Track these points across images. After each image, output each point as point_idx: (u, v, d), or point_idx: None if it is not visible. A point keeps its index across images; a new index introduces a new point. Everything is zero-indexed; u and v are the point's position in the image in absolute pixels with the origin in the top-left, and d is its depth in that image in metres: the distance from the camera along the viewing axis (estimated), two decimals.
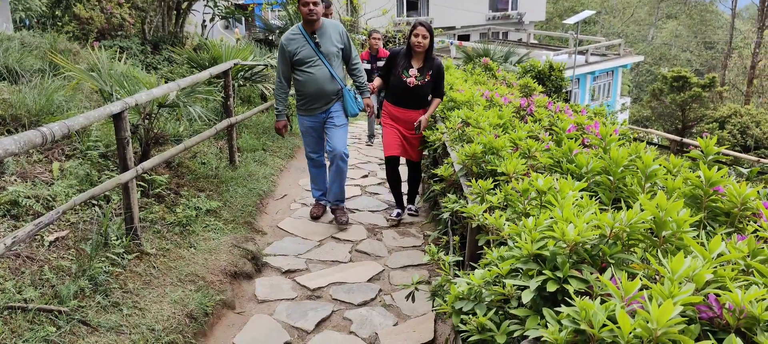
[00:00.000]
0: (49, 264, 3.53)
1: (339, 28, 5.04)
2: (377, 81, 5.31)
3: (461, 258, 3.23)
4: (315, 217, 5.51)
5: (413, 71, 5.07)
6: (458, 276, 2.22)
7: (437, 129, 5.27)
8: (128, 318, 3.32)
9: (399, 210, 5.56)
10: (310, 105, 5.07)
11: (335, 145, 5.11)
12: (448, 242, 4.23)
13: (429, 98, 5.30)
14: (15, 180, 4.19)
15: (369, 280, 4.34)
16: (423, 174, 5.91)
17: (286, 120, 5.28)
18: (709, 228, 2.18)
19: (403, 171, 5.89)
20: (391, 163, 5.38)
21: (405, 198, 5.78)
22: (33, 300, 3.15)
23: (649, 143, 13.59)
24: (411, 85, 5.08)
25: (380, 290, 4.20)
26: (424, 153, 5.47)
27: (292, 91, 5.33)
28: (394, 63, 5.17)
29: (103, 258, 3.71)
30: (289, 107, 5.12)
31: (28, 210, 3.91)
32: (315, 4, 4.77)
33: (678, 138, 12.11)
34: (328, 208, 5.63)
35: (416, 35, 4.98)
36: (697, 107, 22.94)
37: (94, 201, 4.30)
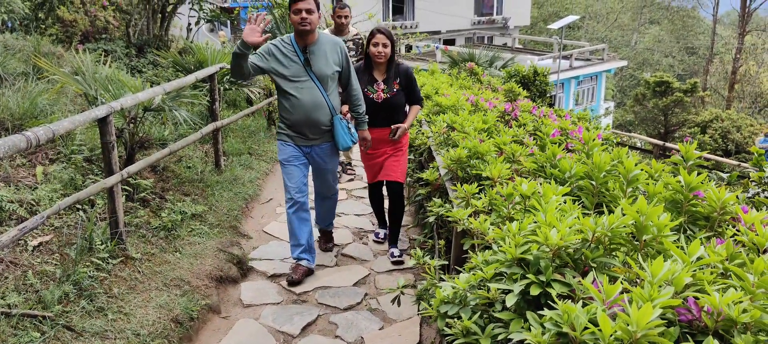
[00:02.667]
0: (33, 269, 3.50)
1: (338, 45, 4.16)
2: (345, 107, 4.50)
3: (447, 262, 3.26)
4: (293, 282, 4.28)
5: (378, 84, 4.49)
6: (443, 280, 2.25)
7: (423, 133, 5.30)
8: (113, 323, 3.31)
9: (385, 230, 5.09)
10: (294, 133, 4.18)
11: (324, 191, 4.60)
12: (433, 246, 4.26)
13: (406, 109, 4.71)
14: None
15: (355, 284, 4.35)
16: (408, 180, 5.41)
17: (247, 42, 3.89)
18: (689, 232, 2.23)
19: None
20: (375, 187, 4.95)
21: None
22: (17, 305, 3.12)
23: (632, 147, 13.73)
24: (379, 101, 4.48)
25: (366, 294, 4.21)
26: (407, 179, 4.94)
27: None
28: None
29: (87, 263, 3.69)
30: (243, 59, 3.86)
31: (12, 214, 3.88)
32: (309, 11, 3.89)
33: (661, 142, 12.26)
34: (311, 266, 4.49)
35: (376, 44, 4.38)
36: (680, 112, 23.24)
37: (79, 206, 4.28)
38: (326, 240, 4.95)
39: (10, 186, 4.19)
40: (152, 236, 4.41)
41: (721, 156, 15.81)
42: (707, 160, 10.56)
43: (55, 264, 3.61)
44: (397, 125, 4.55)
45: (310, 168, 4.38)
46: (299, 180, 4.21)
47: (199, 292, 3.93)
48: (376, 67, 4.50)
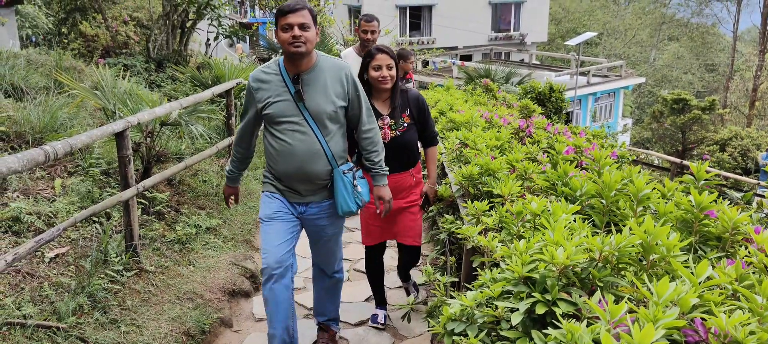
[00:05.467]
0: (48, 280, 3.56)
1: (343, 71, 3.08)
2: None
3: (457, 279, 3.26)
4: None
5: (383, 119, 3.54)
6: (453, 297, 2.25)
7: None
8: (126, 336, 3.34)
9: (384, 311, 4.02)
10: (288, 188, 3.18)
11: (325, 265, 3.49)
12: (445, 262, 4.25)
13: (418, 148, 3.75)
14: (17, 196, 4.24)
15: (366, 300, 4.35)
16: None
17: (236, 185, 3.49)
18: (700, 252, 2.21)
19: (390, 253, 4.45)
20: (372, 250, 3.90)
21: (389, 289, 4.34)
22: (32, 316, 3.17)
23: (650, 165, 13.61)
24: (386, 140, 3.50)
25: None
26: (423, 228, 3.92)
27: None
28: None
29: (102, 275, 3.74)
30: (243, 170, 3.44)
31: (30, 226, 3.94)
32: (303, 27, 2.88)
33: (678, 160, 12.14)
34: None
35: (377, 67, 3.45)
36: (698, 129, 23.02)
37: (95, 219, 4.34)
38: (327, 339, 3.65)
39: (29, 198, 4.26)
40: (166, 249, 4.46)
41: (741, 174, 15.61)
42: (726, 178, 10.44)
43: (71, 276, 3.66)
44: (424, 194, 3.74)
45: (305, 232, 3.38)
46: (281, 243, 3.13)
47: (211, 306, 3.96)
48: (378, 97, 3.57)
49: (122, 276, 3.85)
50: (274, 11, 2.80)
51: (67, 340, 3.12)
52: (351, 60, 5.04)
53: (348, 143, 3.28)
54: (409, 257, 3.91)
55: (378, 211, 3.36)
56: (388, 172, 3.30)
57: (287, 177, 3.13)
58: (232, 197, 3.54)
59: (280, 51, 16.49)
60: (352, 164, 3.23)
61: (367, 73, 3.51)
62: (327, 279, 3.55)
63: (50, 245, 3.88)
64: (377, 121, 3.44)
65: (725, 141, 20.50)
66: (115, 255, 3.95)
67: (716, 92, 38.15)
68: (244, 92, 7.75)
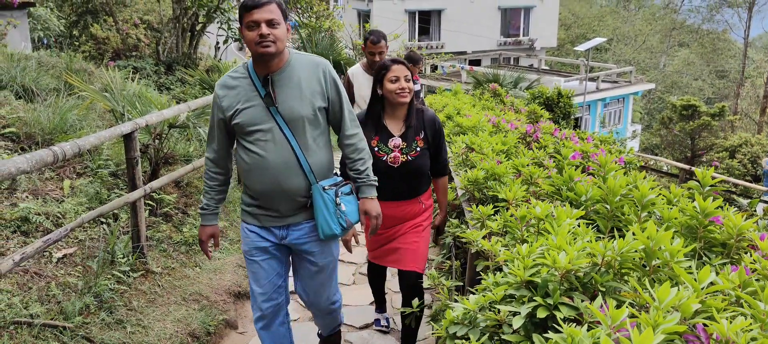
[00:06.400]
0: (56, 280, 3.58)
1: (320, 67, 2.71)
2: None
3: (461, 284, 3.26)
4: None
5: (395, 140, 3.19)
6: (457, 301, 2.25)
7: None
8: (131, 336, 3.36)
9: (386, 314, 4.00)
10: (260, 209, 2.80)
11: (314, 301, 3.02)
12: (451, 267, 4.25)
13: (429, 177, 3.40)
14: (26, 197, 4.28)
15: (371, 303, 4.35)
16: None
17: (214, 224, 2.92)
18: (705, 258, 2.20)
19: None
20: (374, 271, 3.87)
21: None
22: (39, 315, 3.20)
23: (659, 171, 13.55)
24: (395, 164, 3.18)
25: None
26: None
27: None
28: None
29: (109, 276, 3.77)
30: (222, 202, 2.93)
31: (38, 226, 3.98)
32: (271, 23, 2.51)
33: (687, 166, 12.07)
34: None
35: (395, 79, 3.11)
36: (707, 136, 22.89)
37: (103, 219, 4.37)
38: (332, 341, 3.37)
39: (38, 198, 4.30)
40: (173, 250, 4.48)
41: (750, 181, 15.50)
42: (735, 185, 10.38)
43: (78, 276, 3.69)
44: (432, 232, 3.31)
45: (298, 275, 2.98)
46: (267, 282, 2.87)
47: (217, 307, 3.98)
48: (392, 113, 3.22)
49: (129, 276, 3.88)
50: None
51: (74, 339, 3.14)
52: (362, 80, 4.66)
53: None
54: (410, 290, 3.34)
55: (363, 229, 2.98)
56: (376, 183, 2.87)
57: (263, 196, 2.74)
58: (213, 239, 2.93)
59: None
60: (337, 178, 2.83)
61: (382, 88, 3.17)
62: (321, 312, 3.09)
63: (58, 245, 3.92)
64: (388, 141, 3.18)
65: (735, 147, 20.36)
66: (122, 255, 3.98)
67: (727, 99, 37.93)
68: None
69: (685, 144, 23.51)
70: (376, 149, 3.18)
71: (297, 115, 2.63)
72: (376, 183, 2.87)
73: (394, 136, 3.19)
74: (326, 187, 2.73)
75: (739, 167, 18.96)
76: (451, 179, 3.99)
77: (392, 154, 3.17)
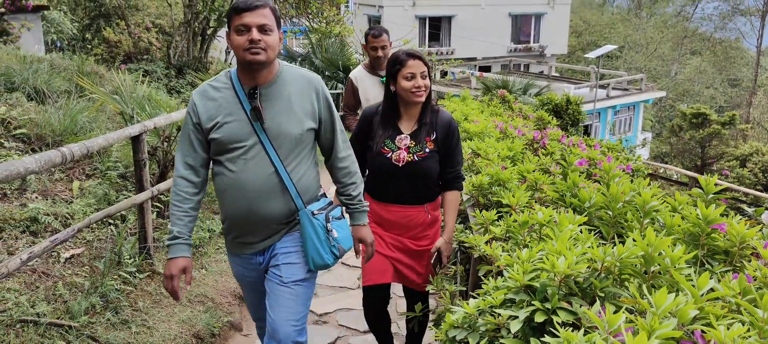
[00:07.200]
0: (63, 280, 3.62)
1: (313, 85, 2.46)
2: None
3: (465, 288, 3.26)
4: None
5: (403, 138, 2.95)
6: (458, 305, 2.26)
7: None
8: (136, 336, 3.39)
9: None
10: (236, 237, 2.51)
11: (277, 325, 2.42)
12: (455, 272, 4.25)
13: (439, 184, 3.08)
14: (36, 197, 4.32)
15: None
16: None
17: (185, 257, 2.42)
18: (708, 266, 2.20)
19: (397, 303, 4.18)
20: (374, 297, 3.12)
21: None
22: (45, 314, 3.23)
23: (668, 180, 13.48)
24: (400, 163, 2.93)
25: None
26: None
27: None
28: (369, 131, 3.03)
29: (115, 276, 3.80)
30: (192, 228, 2.48)
31: (47, 227, 4.02)
32: (263, 29, 2.27)
33: (695, 175, 11.99)
34: None
35: (411, 76, 2.85)
36: (717, 144, 22.74)
37: (111, 221, 4.41)
38: None
39: (47, 199, 4.35)
40: None
41: (761, 190, 15.36)
42: (746, 194, 10.31)
43: (85, 277, 3.72)
44: (437, 248, 3.04)
45: (267, 291, 2.53)
46: (258, 302, 2.69)
47: (222, 309, 4.00)
48: (405, 112, 2.99)
49: (135, 277, 3.91)
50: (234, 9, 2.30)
51: (79, 339, 3.17)
52: (367, 82, 4.35)
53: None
54: (411, 292, 3.22)
55: (358, 256, 2.73)
56: (368, 208, 2.68)
57: (236, 224, 2.45)
58: (184, 275, 2.44)
59: (299, 59, 16.54)
60: (326, 201, 2.54)
61: (395, 85, 2.90)
62: None
63: (66, 246, 3.96)
64: (396, 138, 2.94)
65: (746, 156, 20.20)
66: (128, 257, 4.01)
67: (739, 107, 37.67)
68: None
69: (695, 152, 23.38)
70: (384, 145, 2.95)
71: (285, 133, 2.37)
72: (368, 209, 2.69)
73: (403, 134, 2.97)
74: (315, 212, 2.46)
75: (750, 176, 18.81)
76: (461, 219, 3.67)
77: (397, 152, 2.93)
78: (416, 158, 2.93)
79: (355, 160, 2.64)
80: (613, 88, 24.97)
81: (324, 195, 2.57)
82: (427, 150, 2.94)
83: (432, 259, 3.08)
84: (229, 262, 2.66)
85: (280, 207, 2.40)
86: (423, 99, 2.91)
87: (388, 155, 2.93)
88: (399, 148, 2.94)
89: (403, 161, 2.93)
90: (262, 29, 2.26)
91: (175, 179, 2.42)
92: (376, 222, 3.04)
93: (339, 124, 2.55)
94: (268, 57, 2.29)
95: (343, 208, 2.66)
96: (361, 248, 2.70)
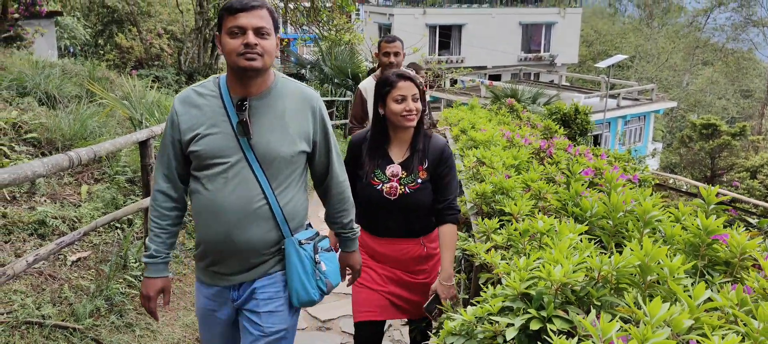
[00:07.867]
0: (69, 283, 3.66)
1: (310, 104, 2.19)
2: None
3: (466, 296, 3.26)
4: None
5: (393, 168, 2.71)
6: (456, 312, 2.26)
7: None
8: (140, 339, 3.42)
9: None
10: (210, 265, 2.22)
11: None
12: (459, 280, 4.25)
13: (432, 218, 2.81)
14: (44, 201, 4.37)
15: None
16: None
17: (163, 277, 2.24)
18: (708, 276, 2.19)
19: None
20: (366, 334, 2.83)
21: None
22: (50, 316, 3.27)
23: (677, 190, 13.41)
24: (392, 196, 2.70)
25: (389, 324, 4.22)
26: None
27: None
28: (358, 159, 2.78)
29: (120, 280, 3.84)
30: (173, 246, 2.29)
31: (55, 230, 4.06)
32: (260, 32, 2.01)
33: (706, 186, 11.93)
34: None
35: (401, 98, 2.62)
36: (728, 155, 22.59)
37: (117, 224, 4.45)
38: None
39: (56, 203, 4.40)
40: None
41: None
42: (756, 205, 10.23)
43: (91, 280, 3.76)
44: (433, 291, 2.73)
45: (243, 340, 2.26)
46: None
47: None
48: (395, 137, 2.74)
49: (140, 281, 3.94)
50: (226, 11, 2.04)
51: (83, 341, 3.20)
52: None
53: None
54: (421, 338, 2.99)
55: (346, 282, 2.56)
56: (358, 235, 2.48)
57: (210, 251, 2.17)
58: (162, 295, 2.25)
59: (309, 66, 16.64)
60: (313, 230, 2.30)
61: (385, 107, 2.66)
62: None
63: (73, 249, 4.00)
64: (386, 168, 2.70)
65: (757, 168, 20.05)
66: (134, 260, 4.05)
67: (752, 118, 37.40)
68: None
69: (705, 163, 23.24)
70: (372, 176, 2.70)
71: (274, 153, 2.10)
72: (359, 234, 2.48)
73: (394, 163, 2.72)
74: (303, 241, 2.19)
75: (761, 188, 18.66)
76: (465, 227, 3.51)
77: (389, 184, 2.69)
78: (408, 190, 2.69)
79: (347, 183, 2.40)
80: (624, 98, 24.88)
81: (309, 225, 2.32)
82: (420, 181, 2.71)
83: (425, 304, 2.76)
84: (195, 294, 2.32)
85: (263, 235, 2.12)
86: (414, 123, 2.67)
87: (378, 187, 2.70)
88: (390, 180, 2.70)
89: (396, 194, 2.69)
90: (259, 32, 2.01)
91: (154, 193, 2.19)
92: (369, 254, 2.82)
93: (334, 146, 2.31)
94: (264, 63, 2.04)
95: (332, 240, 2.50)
96: (347, 273, 2.54)
